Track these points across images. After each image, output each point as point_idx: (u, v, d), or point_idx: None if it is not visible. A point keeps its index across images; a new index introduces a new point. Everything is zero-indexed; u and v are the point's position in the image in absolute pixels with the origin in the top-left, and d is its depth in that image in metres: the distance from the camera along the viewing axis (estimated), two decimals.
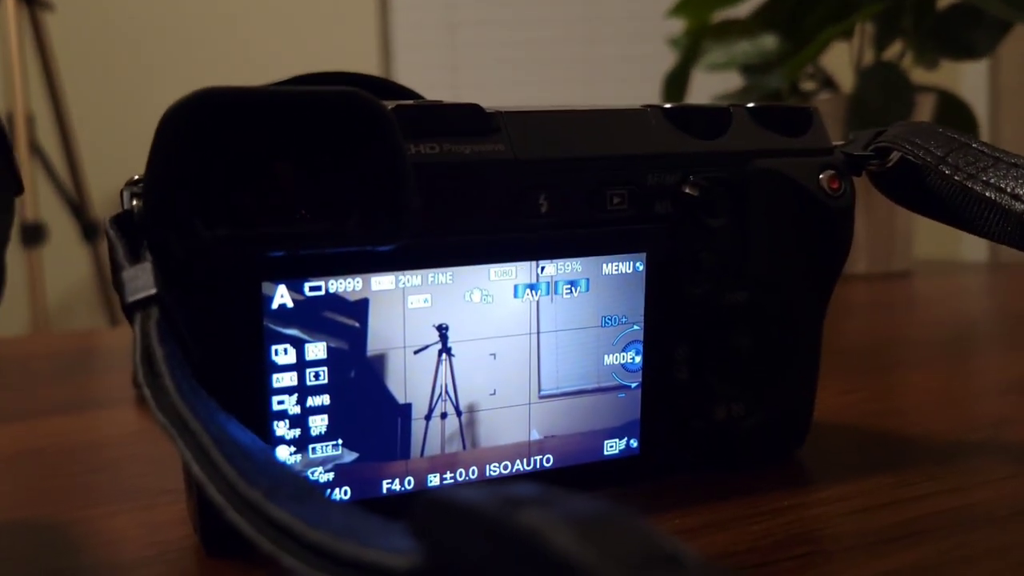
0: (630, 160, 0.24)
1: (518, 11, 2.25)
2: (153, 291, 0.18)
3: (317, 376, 0.22)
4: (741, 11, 0.82)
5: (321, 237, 0.21)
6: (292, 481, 0.15)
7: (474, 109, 0.23)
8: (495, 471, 0.24)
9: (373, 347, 0.22)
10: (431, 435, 0.23)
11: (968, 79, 1.82)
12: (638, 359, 0.25)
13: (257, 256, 0.21)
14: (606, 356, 0.25)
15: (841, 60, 0.82)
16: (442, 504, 0.11)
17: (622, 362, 0.25)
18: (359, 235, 0.21)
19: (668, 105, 0.25)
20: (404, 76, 2.18)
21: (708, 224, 0.25)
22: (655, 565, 0.10)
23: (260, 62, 2.11)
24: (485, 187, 0.23)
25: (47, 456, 0.32)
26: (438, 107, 0.22)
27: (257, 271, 0.21)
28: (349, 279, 0.22)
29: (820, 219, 0.26)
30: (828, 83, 0.80)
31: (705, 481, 0.26)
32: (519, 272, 0.24)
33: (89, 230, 2.03)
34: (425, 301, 0.23)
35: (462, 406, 0.24)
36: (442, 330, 0.23)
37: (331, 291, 0.22)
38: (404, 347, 0.23)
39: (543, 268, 0.24)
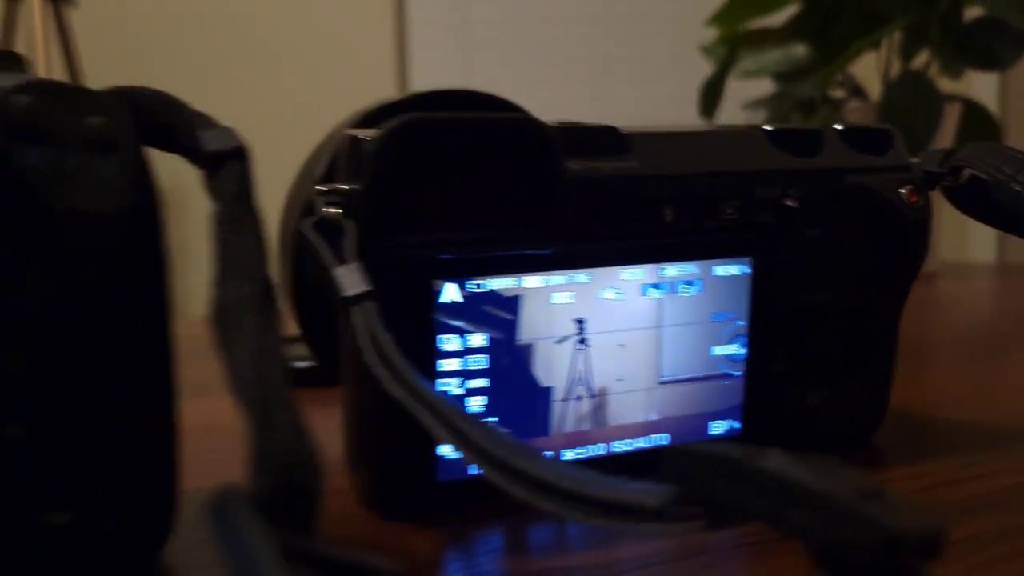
0: (740, 176, 0.28)
1: (531, 10, 2.28)
2: (367, 287, 0.22)
3: (477, 362, 0.25)
4: (774, 20, 0.85)
5: (488, 243, 0.24)
6: (519, 443, 0.18)
7: (612, 131, 0.26)
8: (619, 448, 0.28)
9: (522, 337, 0.26)
10: (567, 415, 0.27)
11: (978, 84, 1.86)
12: (742, 351, 0.29)
13: (430, 258, 0.24)
14: (715, 348, 0.28)
15: (868, 69, 0.86)
16: (690, 453, 0.15)
17: (728, 353, 0.29)
18: (521, 241, 0.24)
19: (770, 127, 0.29)
20: (418, 75, 2.21)
21: (805, 233, 0.28)
22: (869, 495, 0.13)
23: (278, 59, 2.14)
24: (620, 199, 0.26)
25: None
26: (582, 129, 0.26)
27: (429, 271, 0.25)
28: (506, 279, 0.25)
29: (900, 228, 0.29)
30: (857, 91, 0.84)
31: None
32: (646, 273, 0.27)
33: None
34: (567, 298, 0.26)
35: (594, 390, 0.27)
36: (580, 323, 0.26)
37: (490, 289, 0.25)
38: (548, 337, 0.26)
39: (665, 270, 0.27)
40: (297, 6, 2.21)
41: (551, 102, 2.40)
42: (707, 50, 0.90)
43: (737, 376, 0.29)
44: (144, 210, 0.21)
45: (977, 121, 0.81)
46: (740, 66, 0.83)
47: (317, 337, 0.33)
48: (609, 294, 0.27)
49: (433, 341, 0.25)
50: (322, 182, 0.25)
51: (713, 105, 0.84)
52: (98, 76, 2.12)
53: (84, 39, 1.89)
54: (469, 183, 0.24)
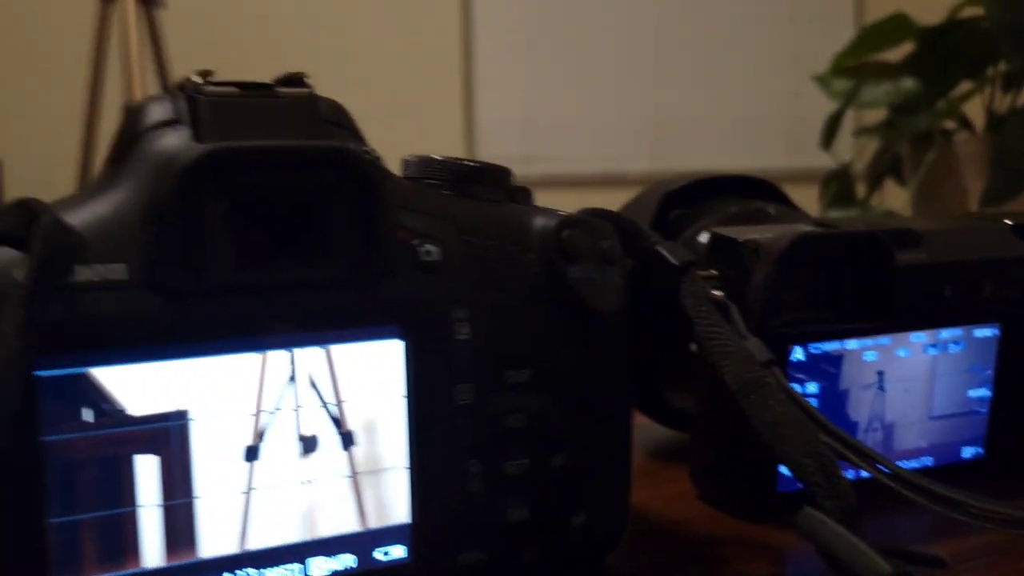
0: (996, 262, 0.36)
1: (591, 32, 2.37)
2: (771, 356, 0.30)
3: (811, 400, 0.34)
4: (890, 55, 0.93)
5: (836, 322, 0.33)
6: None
7: (910, 232, 0.35)
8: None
9: (843, 385, 0.35)
10: (868, 442, 0.36)
11: None
12: (989, 393, 0.37)
13: (789, 330, 0.33)
14: (970, 391, 0.37)
15: (973, 101, 0.94)
16: None
17: (979, 395, 0.37)
18: (859, 322, 0.33)
19: (1011, 222, 0.37)
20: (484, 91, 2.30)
21: None
22: None
23: (355, 57, 2.24)
24: (914, 282, 0.35)
25: None
26: (892, 232, 0.34)
27: (788, 338, 0.33)
28: (835, 343, 0.34)
29: None
30: (965, 123, 0.91)
31: None
32: (928, 336, 0.36)
33: None
34: (873, 356, 0.35)
35: (886, 423, 0.36)
36: (880, 374, 0.35)
37: (824, 350, 0.34)
38: (858, 385, 0.35)
39: (941, 333, 0.36)
40: (374, 12, 2.29)
41: (614, 113, 2.48)
42: (821, 80, 0.98)
43: (983, 412, 0.38)
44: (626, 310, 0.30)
45: None
46: (859, 98, 0.91)
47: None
48: (902, 353, 0.35)
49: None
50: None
51: (833, 136, 0.92)
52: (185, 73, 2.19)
53: (172, 38, 1.97)
54: (827, 279, 0.33)
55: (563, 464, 0.28)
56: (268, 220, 0.25)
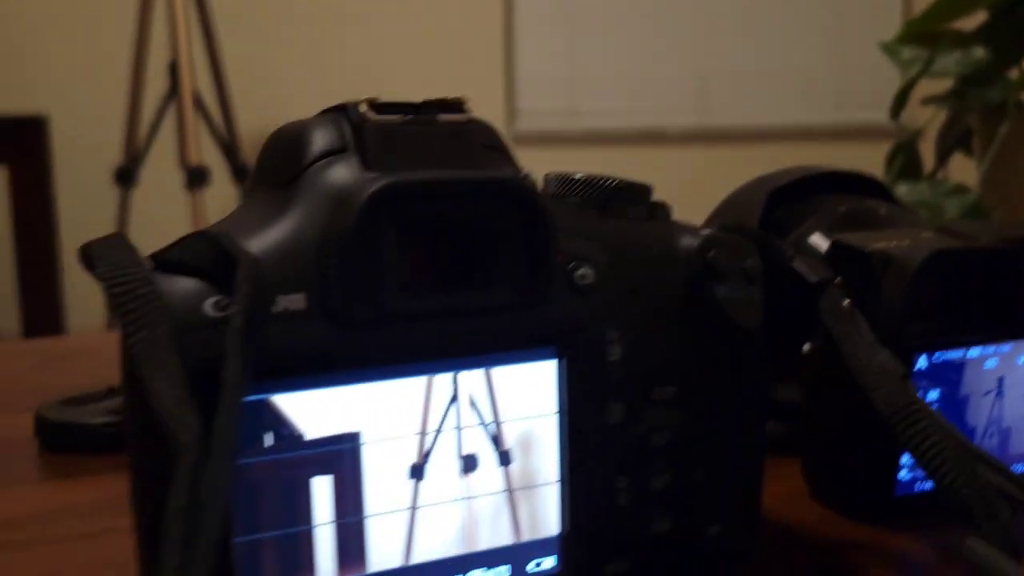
0: None
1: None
2: (904, 370, 0.31)
3: (933, 406, 0.35)
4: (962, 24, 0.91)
5: (961, 333, 0.33)
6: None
7: None
8: (1018, 467, 0.37)
9: (963, 391, 0.35)
10: (986, 446, 0.36)
11: None
12: None
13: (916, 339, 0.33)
14: None
15: None
16: None
17: None
18: (984, 333, 0.34)
19: None
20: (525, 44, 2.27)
21: None
22: None
23: (396, 9, 2.22)
24: None
25: None
26: (1019, 241, 0.34)
27: (915, 347, 0.34)
28: (957, 351, 0.34)
29: None
30: None
31: None
32: None
33: (240, 171, 2.16)
34: (994, 363, 0.35)
35: (1002, 428, 0.36)
36: (1000, 380, 0.35)
37: (947, 358, 0.34)
38: (979, 392, 0.35)
39: None
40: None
41: (657, 67, 2.45)
42: (888, 49, 0.96)
43: None
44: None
45: None
46: (929, 67, 0.90)
47: None
48: (1021, 359, 0.36)
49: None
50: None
51: (902, 106, 0.91)
52: (233, 54, 2.17)
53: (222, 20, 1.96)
54: (957, 291, 0.33)
55: (703, 478, 0.29)
56: (437, 248, 0.25)
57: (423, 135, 0.26)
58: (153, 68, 1.91)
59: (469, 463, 0.27)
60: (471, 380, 0.26)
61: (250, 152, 2.27)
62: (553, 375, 0.27)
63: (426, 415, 0.26)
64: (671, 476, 0.28)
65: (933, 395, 0.35)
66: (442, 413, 0.26)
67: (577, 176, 0.29)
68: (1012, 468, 0.37)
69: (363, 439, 0.25)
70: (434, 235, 0.25)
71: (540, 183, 0.30)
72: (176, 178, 1.91)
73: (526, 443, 0.27)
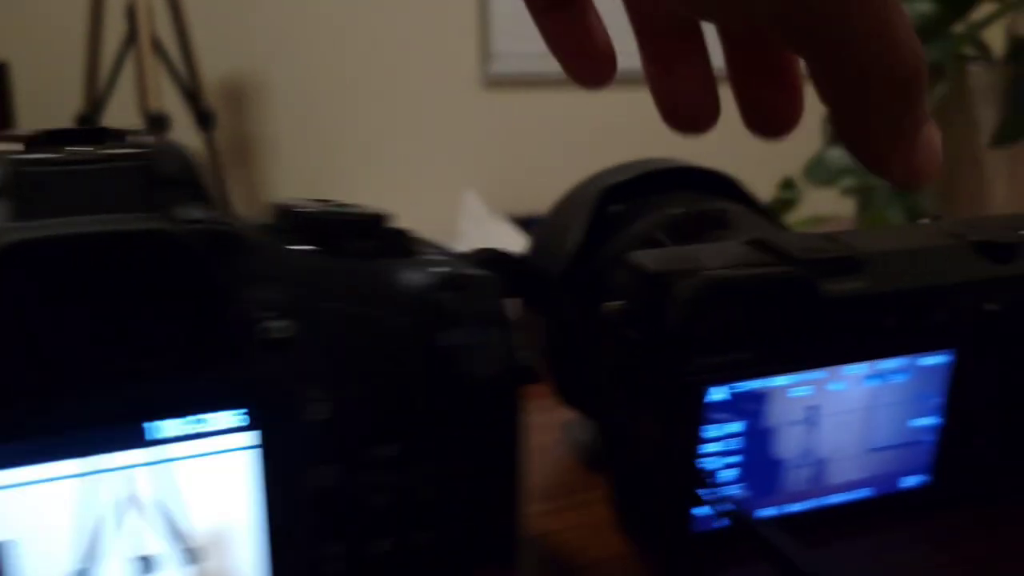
0: (951, 286, 0.33)
1: None
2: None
3: (732, 444, 0.32)
4: None
5: (759, 363, 0.30)
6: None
7: (849, 259, 0.32)
8: (832, 501, 0.34)
9: (769, 423, 0.32)
10: (798, 479, 0.33)
11: None
12: (936, 420, 0.35)
13: (707, 371, 0.30)
14: (914, 421, 0.34)
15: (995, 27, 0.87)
16: None
17: (924, 424, 0.35)
18: (785, 361, 0.31)
19: (974, 239, 0.34)
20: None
21: (1001, 330, 0.34)
22: None
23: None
24: (852, 312, 0.32)
25: None
26: (828, 260, 0.31)
27: (705, 380, 0.31)
28: (758, 381, 0.32)
29: None
30: (984, 51, 0.85)
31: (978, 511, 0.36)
32: (866, 367, 0.33)
33: (204, 118, 2.12)
34: (804, 391, 0.32)
35: (820, 458, 0.33)
36: (813, 410, 0.33)
37: (748, 389, 0.31)
38: (787, 423, 0.32)
39: (882, 364, 0.33)
40: None
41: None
42: None
43: (929, 441, 0.35)
44: (513, 372, 0.27)
45: None
46: None
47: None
48: (837, 386, 0.33)
49: (701, 431, 0.31)
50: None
51: None
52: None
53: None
54: (747, 322, 0.30)
55: (430, 543, 0.26)
56: (88, 310, 0.22)
57: (86, 177, 0.23)
58: (113, 13, 1.86)
59: (146, 566, 0.24)
60: (145, 469, 0.24)
61: (214, 98, 2.22)
62: (247, 445, 0.24)
63: (90, 512, 0.23)
64: (395, 539, 0.26)
65: (735, 428, 0.32)
66: (112, 507, 0.23)
67: (299, 209, 0.26)
68: (829, 501, 0.34)
69: (19, 546, 0.23)
70: (84, 295, 0.22)
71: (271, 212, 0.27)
72: (138, 125, 1.87)
73: (219, 536, 0.24)
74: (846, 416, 0.33)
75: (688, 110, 0.29)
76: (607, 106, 1.96)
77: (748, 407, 0.32)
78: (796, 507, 0.34)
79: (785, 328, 0.31)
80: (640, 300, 0.30)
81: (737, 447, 0.32)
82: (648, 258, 0.31)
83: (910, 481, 0.36)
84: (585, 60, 0.29)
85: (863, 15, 0.22)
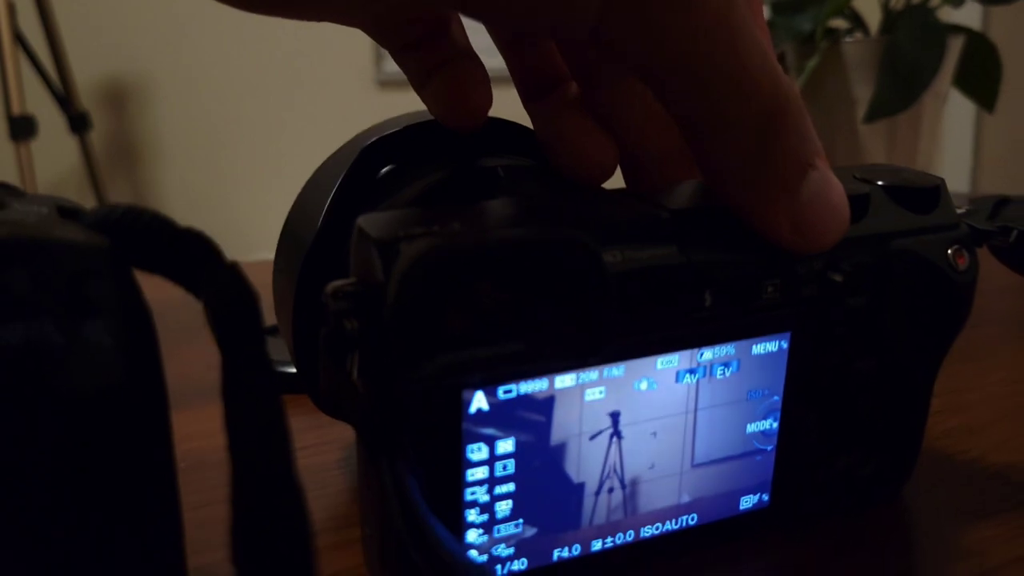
0: (779, 256, 0.26)
1: None
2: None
3: (505, 468, 0.24)
4: None
5: (522, 359, 0.22)
6: None
7: (654, 217, 0.24)
8: (648, 532, 0.27)
9: (555, 437, 0.24)
10: (599, 507, 0.26)
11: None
12: (775, 425, 0.27)
13: (460, 371, 0.22)
14: (749, 425, 0.27)
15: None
16: None
17: (762, 429, 0.27)
18: (558, 354, 0.23)
19: None
20: None
21: (849, 304, 0.27)
22: None
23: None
24: (658, 288, 0.24)
25: None
26: (622, 222, 0.24)
27: (457, 386, 0.23)
28: (537, 381, 0.24)
29: (946, 292, 0.28)
30: (858, 22, 0.80)
31: (824, 526, 0.29)
32: (681, 360, 0.25)
33: (76, 121, 1.99)
34: (600, 393, 0.25)
35: (626, 480, 0.26)
36: (614, 417, 0.25)
37: (522, 393, 0.24)
38: (580, 434, 0.25)
39: (702, 354, 0.26)
40: None
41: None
42: None
43: (769, 450, 0.28)
44: (141, 379, 0.19)
45: (980, 55, 0.78)
46: None
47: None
48: (643, 385, 0.25)
49: (462, 452, 0.23)
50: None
51: None
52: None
53: None
54: (504, 301, 0.22)
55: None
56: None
57: None
58: None
59: None
60: None
61: (88, 102, 2.08)
62: None
63: None
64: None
65: (507, 446, 0.24)
66: None
67: None
68: (643, 534, 0.26)
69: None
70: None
71: None
72: (1, 128, 1.74)
73: None
74: (658, 423, 0.26)
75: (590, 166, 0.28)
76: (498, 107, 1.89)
77: (524, 417, 0.24)
78: (600, 544, 0.26)
79: (566, 311, 0.23)
80: (363, 278, 0.22)
81: (509, 472, 0.24)
82: (378, 221, 0.23)
83: (749, 502, 0.28)
84: (458, 111, 0.29)
85: (704, 23, 0.21)
